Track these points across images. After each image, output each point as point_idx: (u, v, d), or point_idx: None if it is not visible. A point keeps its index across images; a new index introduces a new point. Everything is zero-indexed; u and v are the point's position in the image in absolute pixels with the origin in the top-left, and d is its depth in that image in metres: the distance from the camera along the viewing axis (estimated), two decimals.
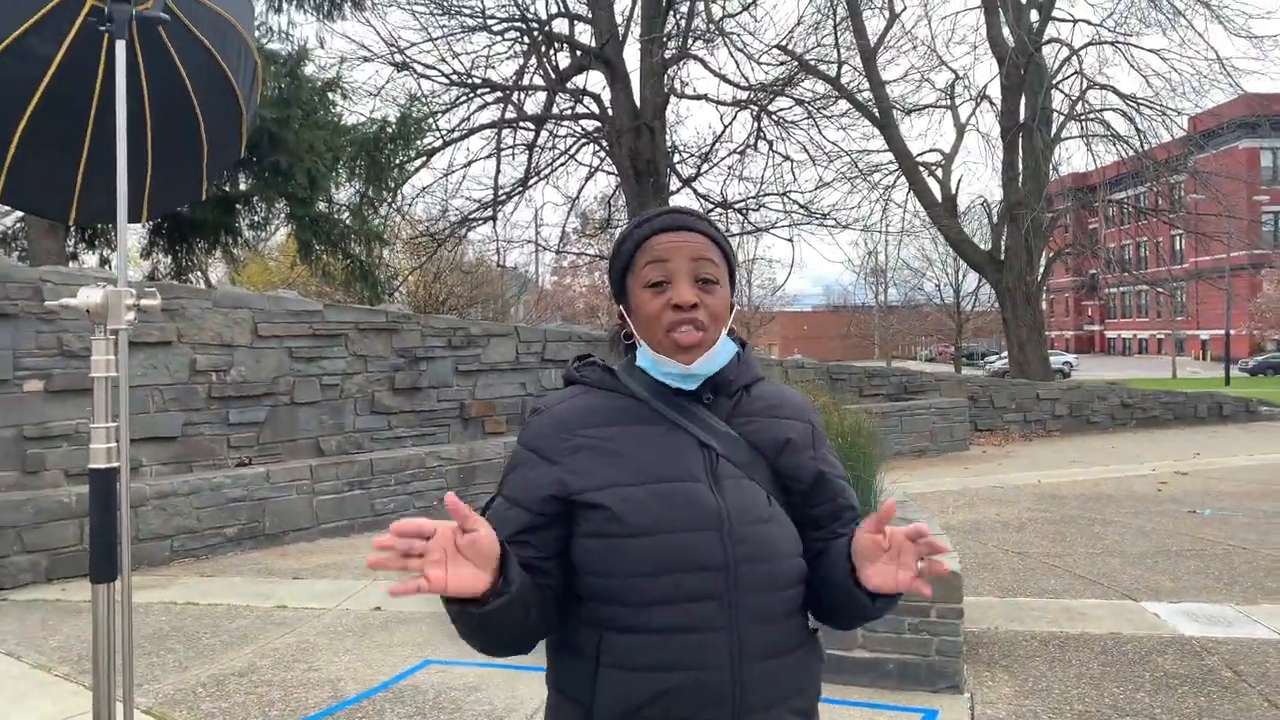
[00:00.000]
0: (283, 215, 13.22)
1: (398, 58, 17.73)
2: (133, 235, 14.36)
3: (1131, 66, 21.19)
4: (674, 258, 1.44)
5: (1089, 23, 21.05)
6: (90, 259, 12.98)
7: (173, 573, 6.90)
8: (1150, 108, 20.31)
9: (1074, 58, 21.11)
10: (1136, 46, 27.33)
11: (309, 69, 13.02)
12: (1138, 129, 20.43)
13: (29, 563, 6.46)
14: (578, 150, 21.18)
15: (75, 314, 2.30)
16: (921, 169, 21.72)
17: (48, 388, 7.08)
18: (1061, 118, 21.44)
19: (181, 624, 5.53)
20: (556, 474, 1.40)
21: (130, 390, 2.48)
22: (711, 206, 21.21)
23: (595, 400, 1.48)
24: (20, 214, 12.37)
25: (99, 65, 2.59)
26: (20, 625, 5.57)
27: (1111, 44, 20.74)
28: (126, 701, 2.43)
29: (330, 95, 12.92)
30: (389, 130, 13.41)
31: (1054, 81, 20.98)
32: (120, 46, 2.36)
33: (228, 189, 12.17)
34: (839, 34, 20.59)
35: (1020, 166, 20.95)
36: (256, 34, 2.91)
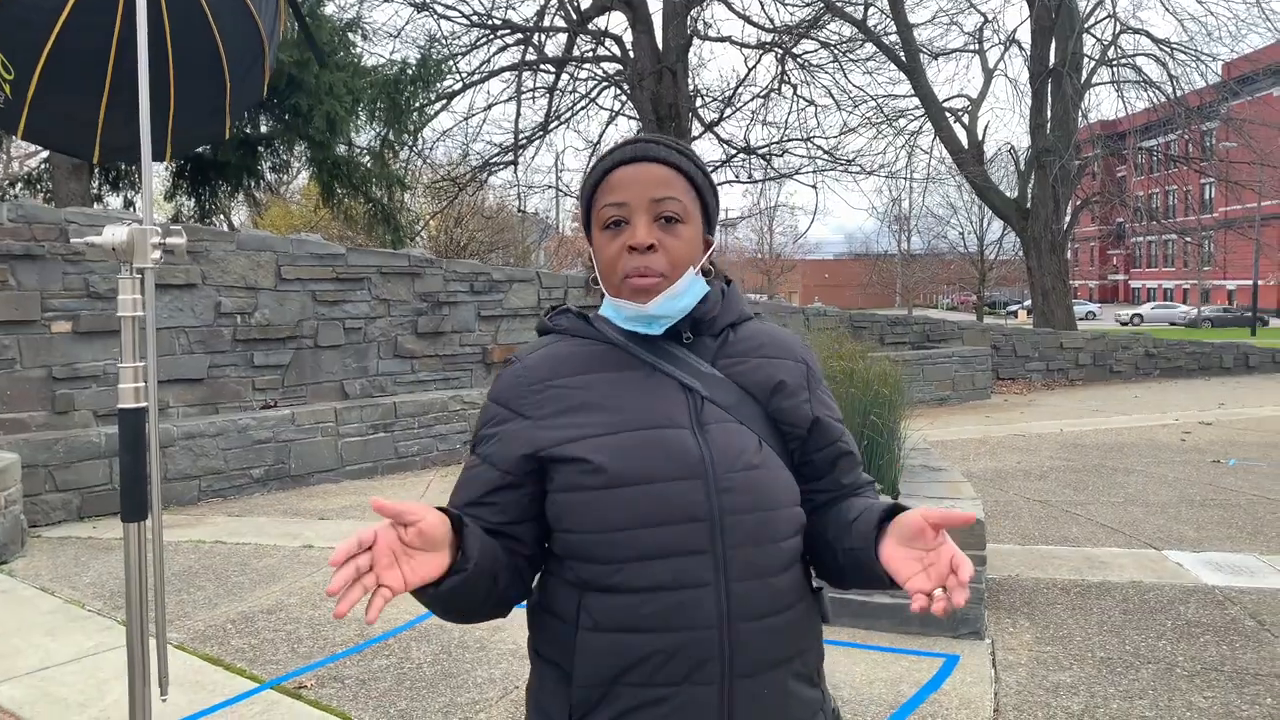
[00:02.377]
0: (303, 158, 13.17)
1: None
2: (156, 178, 14.36)
3: (1166, 10, 20.78)
4: (631, 194, 1.32)
5: None
6: (115, 201, 13.01)
7: (201, 512, 7.01)
8: (1184, 53, 19.86)
9: (1107, 1, 20.58)
10: None
11: (329, 9, 12.87)
12: (1170, 75, 19.96)
13: (61, 501, 6.57)
14: (598, 94, 20.95)
15: (101, 254, 2.29)
16: (948, 115, 21.35)
17: (75, 329, 7.14)
18: (1092, 63, 20.95)
19: (211, 562, 5.63)
20: (527, 429, 1.31)
21: (156, 332, 2.47)
22: (734, 152, 20.99)
23: (569, 348, 1.38)
24: (45, 156, 12.39)
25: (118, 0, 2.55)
26: (53, 561, 5.68)
27: None
28: (160, 637, 2.46)
29: (350, 36, 12.77)
30: (409, 72, 13.26)
31: (1086, 25, 20.48)
32: None
33: (249, 131, 12.12)
34: None
35: (1049, 113, 20.53)
36: None
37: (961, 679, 3.84)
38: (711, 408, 1.32)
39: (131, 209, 13.19)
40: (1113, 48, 20.67)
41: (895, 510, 1.26)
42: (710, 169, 16.73)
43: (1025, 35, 21.19)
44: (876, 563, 1.23)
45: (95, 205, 11.64)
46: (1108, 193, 29.35)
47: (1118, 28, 20.42)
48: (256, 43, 2.84)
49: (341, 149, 12.75)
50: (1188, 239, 45.27)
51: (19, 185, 13.43)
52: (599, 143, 22.76)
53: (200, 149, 11.29)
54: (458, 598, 1.20)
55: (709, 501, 1.25)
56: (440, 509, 1.18)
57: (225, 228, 13.13)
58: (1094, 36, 20.93)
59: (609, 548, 1.25)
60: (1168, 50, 19.90)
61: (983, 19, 29.47)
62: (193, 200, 12.96)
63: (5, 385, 6.84)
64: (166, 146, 2.84)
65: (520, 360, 1.38)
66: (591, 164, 1.42)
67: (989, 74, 22.43)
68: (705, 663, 1.23)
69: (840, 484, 1.41)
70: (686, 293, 1.33)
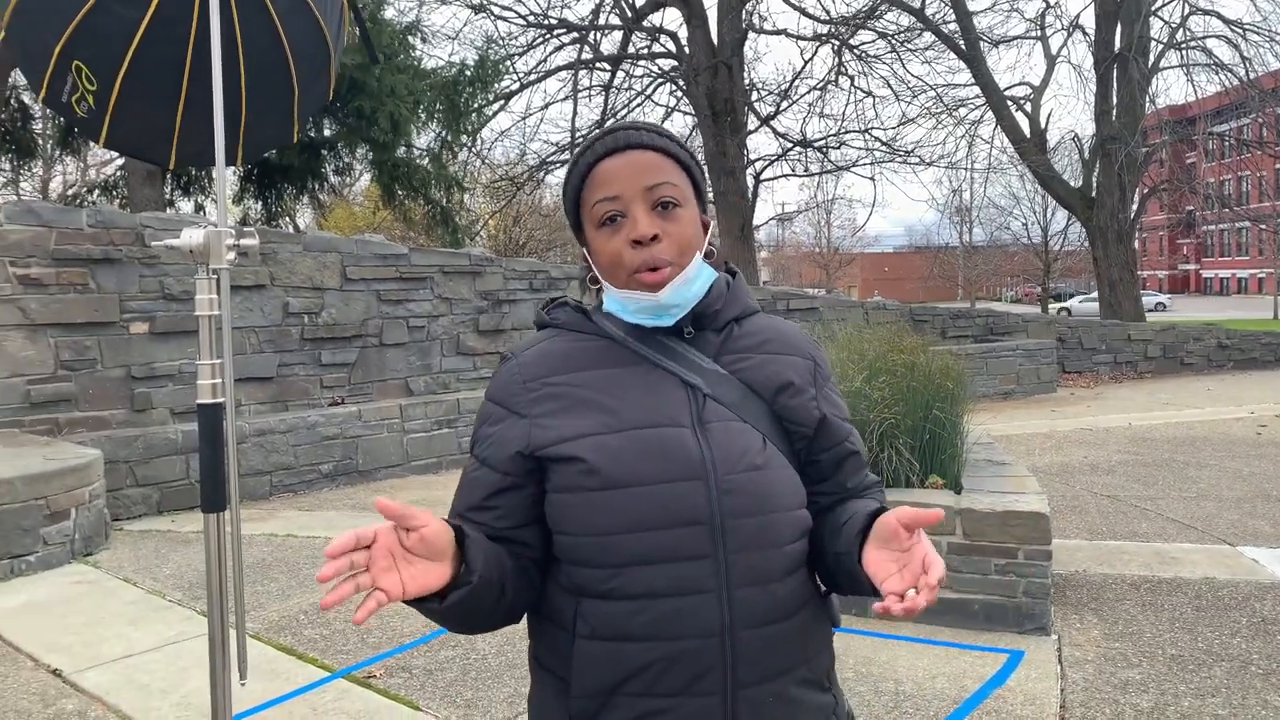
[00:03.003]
0: (365, 161, 13.43)
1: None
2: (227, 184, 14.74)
3: None
4: (623, 186, 1.26)
5: None
6: (186, 205, 13.41)
7: (273, 506, 7.20)
8: (1258, 33, 19.22)
9: None
10: None
11: (389, 13, 13.09)
12: (1243, 56, 19.34)
13: (141, 495, 6.81)
14: (654, 90, 20.99)
15: (177, 256, 2.38)
16: (1009, 103, 20.94)
17: (152, 329, 7.39)
18: (1160, 47, 20.38)
19: (283, 555, 5.79)
20: (524, 428, 1.25)
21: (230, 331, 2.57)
22: (791, 145, 20.86)
23: (567, 344, 1.32)
24: (121, 164, 12.80)
25: (193, 10, 2.64)
26: (135, 553, 5.89)
27: None
28: (239, 623, 2.56)
29: (410, 39, 12.99)
30: (467, 74, 13.44)
31: (1153, 8, 19.93)
32: None
33: (313, 135, 12.39)
34: None
35: (1114, 99, 20.03)
36: None
37: (1026, 675, 3.80)
38: (714, 405, 1.27)
39: (202, 213, 13.57)
40: (1181, 30, 20.10)
41: (881, 513, 1.21)
42: (768, 163, 16.55)
43: (1089, 20, 20.72)
44: (859, 567, 1.19)
45: (168, 210, 12.01)
46: (1176, 180, 28.53)
47: (1186, 9, 19.85)
48: (322, 48, 2.92)
49: (402, 151, 12.97)
50: (1262, 226, 43.85)
51: (95, 192, 13.91)
52: None
53: (266, 153, 11.58)
54: (464, 611, 1.16)
55: (710, 504, 1.20)
56: (445, 520, 1.16)
57: (291, 230, 13.44)
58: (1161, 19, 20.39)
59: (605, 552, 1.20)
60: (1240, 31, 19.30)
61: (1044, 4, 28.85)
62: (259, 203, 13.30)
63: (87, 384, 7.11)
64: (238, 151, 2.94)
65: (516, 356, 1.33)
66: (572, 159, 1.34)
67: (1051, 60, 21.97)
68: (707, 672, 1.19)
69: (845, 486, 1.36)
70: (697, 278, 1.28)
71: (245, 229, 2.38)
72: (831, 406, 1.36)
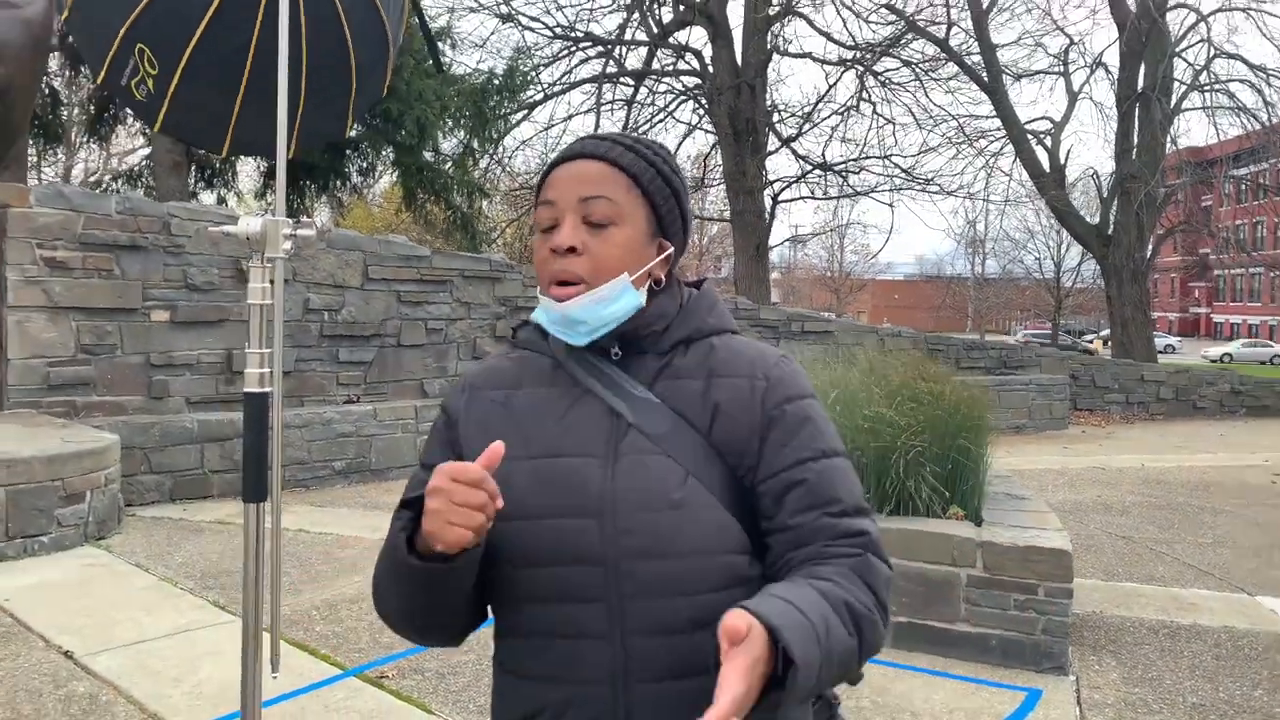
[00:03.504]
0: (389, 162, 13.46)
1: (503, 9, 17.80)
2: (247, 178, 14.81)
3: (1263, 35, 20.21)
4: (560, 195, 1.20)
5: None
6: (208, 197, 13.45)
7: (285, 501, 7.14)
8: None
9: (1201, 24, 20.08)
10: (1270, 14, 25.95)
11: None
12: (1266, 101, 19.39)
13: (155, 482, 6.80)
14: (676, 107, 21.06)
15: (202, 246, 2.38)
16: (1030, 137, 20.99)
17: (173, 318, 7.40)
18: (1183, 88, 20.43)
19: (295, 550, 5.76)
20: (453, 438, 1.25)
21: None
22: (810, 167, 20.89)
23: (513, 360, 1.29)
24: (145, 153, 12.85)
25: None
26: (148, 540, 5.88)
27: (1243, 10, 19.70)
28: (274, 616, 2.54)
29: (440, 45, 13.04)
30: (495, 82, 13.50)
31: (1177, 49, 19.99)
32: None
33: None
34: None
35: (1135, 138, 20.06)
36: None
37: (1045, 714, 3.76)
38: (635, 436, 1.17)
39: (224, 205, 13.61)
40: (1205, 72, 20.15)
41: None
42: (786, 184, 16.46)
43: (1113, 58, 20.70)
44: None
45: (191, 200, 12.05)
46: (1194, 222, 28.55)
47: (1211, 52, 19.91)
48: (383, 44, 2.93)
49: (427, 155, 13.01)
50: (1275, 273, 43.80)
51: (119, 180, 13.96)
52: (674, 155, 22.82)
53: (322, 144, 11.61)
54: (451, 584, 1.11)
55: (603, 544, 1.13)
56: None
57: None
58: (1185, 61, 20.43)
59: (509, 585, 1.17)
60: (1263, 76, 19.34)
61: (1068, 41, 29.14)
62: None
63: (106, 369, 7.11)
64: (293, 142, 2.93)
65: (471, 368, 1.33)
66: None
67: (1073, 97, 22.00)
68: None
69: (787, 525, 1.16)
70: (615, 300, 1.18)
71: (304, 219, 2.37)
72: (778, 430, 1.18)
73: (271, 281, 2.47)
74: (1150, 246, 21.24)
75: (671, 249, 1.26)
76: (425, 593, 1.12)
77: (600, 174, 1.21)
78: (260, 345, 2.45)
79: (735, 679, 0.90)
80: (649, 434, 1.17)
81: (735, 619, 0.92)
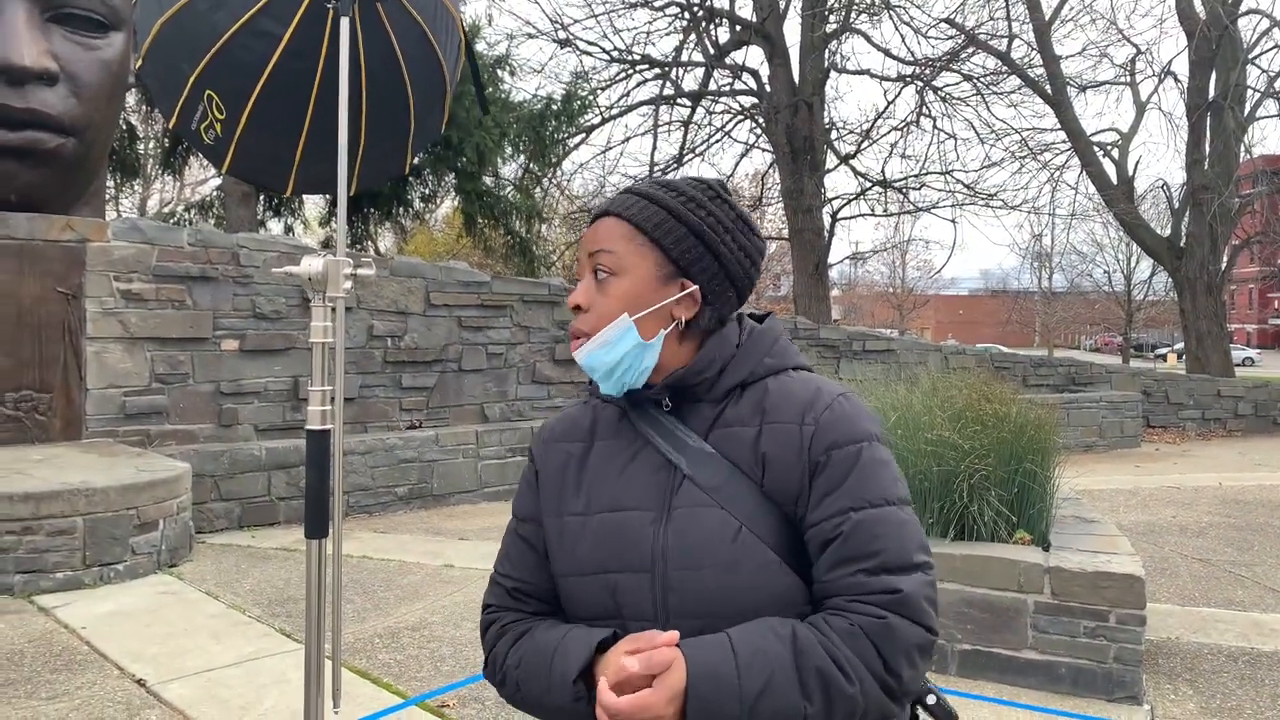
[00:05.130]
0: (450, 189, 13.70)
1: (561, 34, 18.01)
2: (314, 205, 15.18)
3: None
4: (581, 255, 1.27)
5: None
6: (275, 226, 13.81)
7: (349, 527, 7.30)
8: None
9: (1275, 29, 19.49)
10: None
11: (479, 46, 13.38)
12: None
13: (223, 509, 6.97)
14: (733, 127, 21.06)
15: (269, 276, 2.44)
16: (1096, 149, 20.54)
17: (242, 347, 7.60)
18: (1257, 95, 19.85)
19: (358, 576, 5.85)
20: (530, 494, 1.30)
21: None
22: (870, 184, 20.73)
23: (591, 411, 1.32)
24: (216, 183, 13.25)
25: (322, 44, 2.72)
26: (217, 567, 6.02)
27: None
28: (335, 651, 2.58)
29: (499, 72, 13.26)
30: (554, 107, 13.66)
31: (1250, 56, 19.43)
32: (344, 25, 2.47)
33: None
34: (1010, 6, 19.65)
35: (1207, 147, 19.52)
36: None
37: None
38: (690, 489, 1.16)
39: (290, 233, 13.96)
40: None
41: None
42: (845, 201, 16.34)
43: (1181, 67, 20.27)
44: None
45: (260, 230, 12.38)
46: (1271, 232, 27.65)
47: None
48: (440, 84, 2.99)
49: (487, 180, 13.21)
50: None
51: (192, 211, 14.41)
52: (732, 175, 22.86)
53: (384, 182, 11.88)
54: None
55: (654, 600, 1.14)
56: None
57: (373, 253, 13.74)
58: (1259, 67, 19.87)
59: None
60: None
61: (1135, 50, 28.48)
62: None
63: (179, 398, 7.32)
64: (354, 181, 3.00)
65: (553, 417, 1.37)
66: None
67: (1141, 107, 21.51)
68: None
69: (821, 579, 1.14)
70: (617, 344, 1.19)
71: (363, 259, 2.43)
72: (822, 478, 1.15)
73: (334, 319, 2.53)
74: (1225, 257, 20.61)
75: (695, 286, 1.23)
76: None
77: (605, 229, 1.23)
78: (323, 382, 2.50)
79: (650, 694, 1.01)
80: (703, 486, 1.16)
81: (665, 655, 1.03)
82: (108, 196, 12.92)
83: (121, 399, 7.09)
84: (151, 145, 14.35)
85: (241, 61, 2.66)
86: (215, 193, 13.66)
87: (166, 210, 20.66)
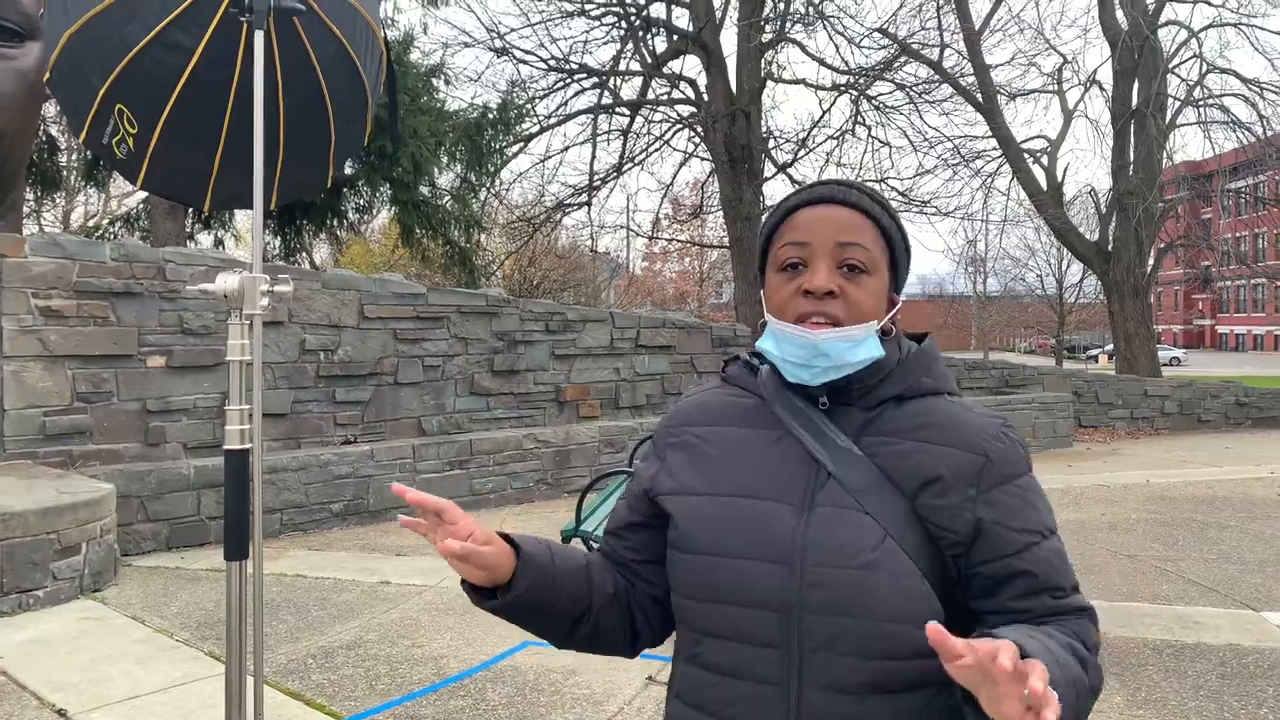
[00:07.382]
0: (386, 199, 13.54)
1: (497, 43, 17.93)
2: (245, 217, 14.88)
3: (1255, 49, 20.34)
4: (814, 236, 1.21)
5: (1209, 3, 20.08)
6: (205, 239, 13.53)
7: (282, 545, 7.16)
8: (1275, 92, 19.34)
9: (1193, 40, 20.19)
10: (1261, 29, 26.10)
11: (414, 55, 13.27)
12: (1260, 114, 19.46)
13: (151, 531, 6.78)
14: (672, 136, 21.15)
15: (207, 296, 2.38)
16: (1026, 156, 21.07)
17: (169, 364, 7.40)
18: (1177, 103, 20.54)
19: (292, 595, 5.73)
20: (654, 470, 1.29)
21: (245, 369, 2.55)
22: None
23: (720, 396, 1.32)
24: (144, 197, 12.93)
25: (237, 56, 2.67)
26: (143, 590, 5.85)
27: (1234, 26, 19.81)
28: (257, 676, 2.52)
29: (434, 81, 13.16)
30: (490, 116, 13.60)
31: (1170, 66, 20.09)
32: (259, 37, 2.43)
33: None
34: (942, 16, 20.06)
35: (1131, 154, 20.13)
36: None
37: None
38: (834, 488, 1.17)
39: (221, 246, 13.68)
40: (1199, 88, 20.24)
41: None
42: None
43: (1106, 76, 20.88)
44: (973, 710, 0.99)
45: (189, 243, 12.11)
46: (1193, 236, 28.55)
47: (1204, 68, 19.99)
48: (360, 96, 2.95)
49: (424, 190, 13.08)
50: (1277, 284, 43.72)
51: (117, 224, 14.04)
52: (671, 183, 22.96)
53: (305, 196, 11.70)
54: (522, 617, 1.23)
55: (788, 592, 1.13)
56: (502, 535, 1.21)
57: (307, 266, 13.52)
58: (1179, 77, 20.53)
59: (692, 616, 1.21)
60: (1257, 90, 19.41)
61: (1062, 60, 29.18)
62: (278, 239, 13.39)
63: (102, 417, 7.11)
64: (273, 195, 2.95)
65: (679, 400, 1.37)
66: (778, 202, 1.31)
67: (1068, 115, 22.12)
68: None
69: (1009, 609, 1.16)
70: (862, 345, 1.19)
71: (280, 275, 2.38)
72: (998, 512, 1.17)
73: (251, 336, 2.47)
74: (1151, 261, 21.24)
75: (900, 303, 1.27)
76: (513, 621, 1.25)
77: (855, 222, 1.22)
78: (240, 400, 2.45)
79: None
80: (848, 487, 1.17)
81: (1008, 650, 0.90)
82: (28, 210, 12.55)
83: (41, 419, 6.86)
84: (74, 157, 13.96)
85: (153, 74, 2.59)
86: (141, 205, 13.32)
87: (91, 224, 20.11)
